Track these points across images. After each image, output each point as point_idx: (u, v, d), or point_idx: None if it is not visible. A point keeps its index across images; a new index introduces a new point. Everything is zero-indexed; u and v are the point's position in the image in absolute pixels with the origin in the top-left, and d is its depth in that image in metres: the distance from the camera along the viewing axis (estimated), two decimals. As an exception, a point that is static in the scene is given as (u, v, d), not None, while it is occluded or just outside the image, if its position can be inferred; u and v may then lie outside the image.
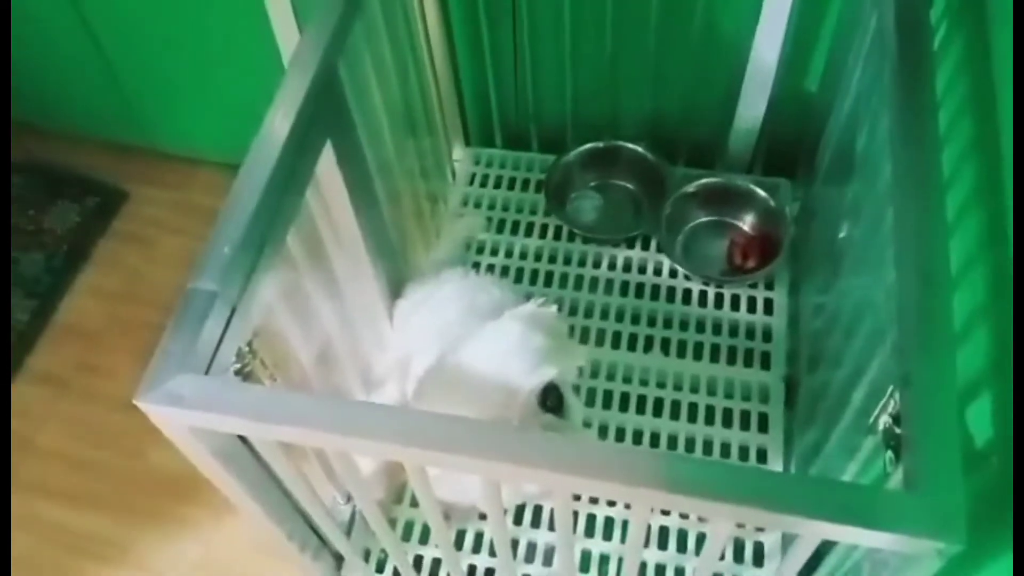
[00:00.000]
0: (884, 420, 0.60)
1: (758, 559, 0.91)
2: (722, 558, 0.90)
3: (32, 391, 1.29)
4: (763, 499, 0.50)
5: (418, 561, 0.93)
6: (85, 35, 1.31)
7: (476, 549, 0.94)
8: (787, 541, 0.90)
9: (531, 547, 0.93)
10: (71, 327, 1.36)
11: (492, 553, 0.93)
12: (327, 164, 0.78)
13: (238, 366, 0.64)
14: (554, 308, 0.81)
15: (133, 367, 1.27)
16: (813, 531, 0.52)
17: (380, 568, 0.93)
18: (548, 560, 0.92)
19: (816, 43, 1.09)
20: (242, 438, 0.65)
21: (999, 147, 0.70)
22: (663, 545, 0.92)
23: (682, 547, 0.92)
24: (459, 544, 0.94)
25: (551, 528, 0.93)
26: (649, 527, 0.92)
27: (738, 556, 0.91)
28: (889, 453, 0.59)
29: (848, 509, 0.50)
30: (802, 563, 0.58)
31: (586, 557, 0.92)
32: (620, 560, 0.91)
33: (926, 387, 0.56)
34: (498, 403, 0.72)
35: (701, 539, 0.92)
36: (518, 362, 0.73)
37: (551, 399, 0.74)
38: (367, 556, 0.92)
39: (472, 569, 0.92)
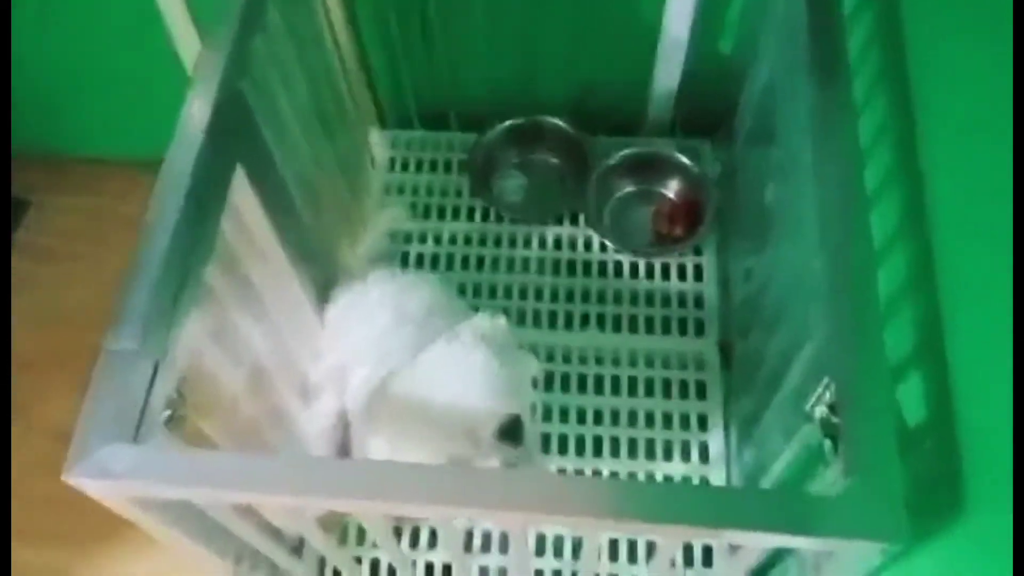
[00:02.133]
0: (820, 410, 0.62)
1: (707, 559, 0.91)
2: (672, 565, 0.92)
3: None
4: (707, 518, 0.51)
5: (375, 567, 0.93)
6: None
7: (432, 545, 0.94)
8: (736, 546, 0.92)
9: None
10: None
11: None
12: (239, 187, 0.74)
13: (168, 414, 0.62)
14: (503, 320, 0.80)
15: (62, 395, 1.23)
16: (758, 541, 0.53)
17: (336, 575, 0.93)
18: (504, 549, 0.93)
19: (728, 7, 1.08)
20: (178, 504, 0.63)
21: (914, 118, 0.71)
22: (614, 556, 0.92)
23: (632, 557, 0.92)
24: (415, 542, 0.94)
25: (503, 550, 0.93)
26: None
27: (688, 560, 0.91)
28: (828, 442, 0.60)
29: (791, 520, 0.51)
30: (749, 567, 0.60)
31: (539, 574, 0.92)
32: (573, 574, 0.92)
33: (859, 380, 0.57)
34: (459, 436, 0.72)
35: (651, 548, 0.92)
36: (479, 392, 0.72)
37: (512, 431, 0.74)
38: (322, 569, 0.92)
39: (430, 567, 0.93)
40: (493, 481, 0.53)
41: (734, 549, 0.56)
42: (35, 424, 1.23)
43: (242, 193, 0.75)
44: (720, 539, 0.52)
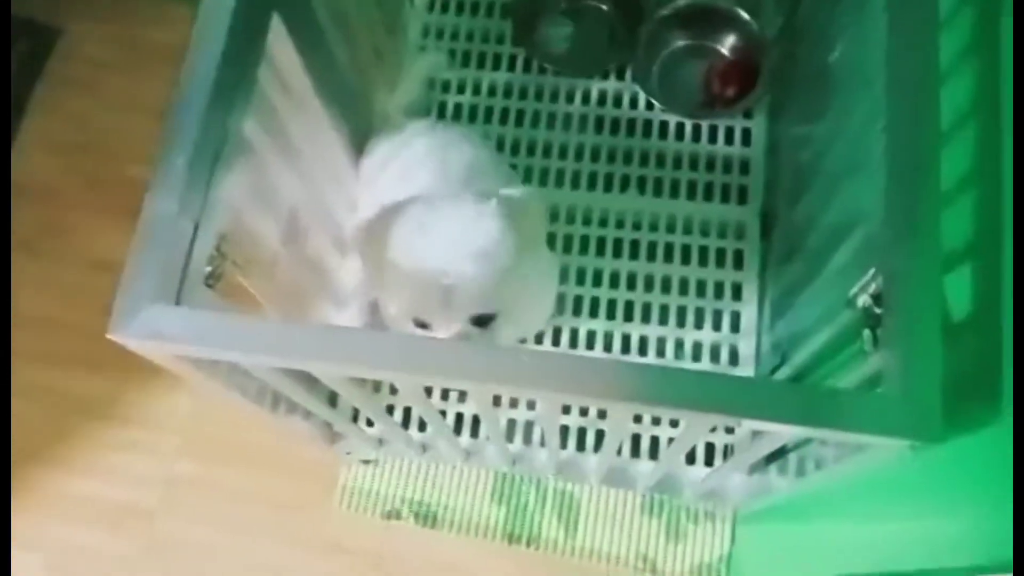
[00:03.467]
0: (864, 300, 0.61)
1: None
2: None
3: (-3, 254, 1.26)
4: (733, 409, 0.51)
5: (407, 412, 0.97)
6: None
7: (462, 398, 0.97)
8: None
9: (511, 423, 0.96)
10: (26, 187, 1.30)
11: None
12: (276, 36, 0.71)
13: (208, 270, 0.63)
14: (538, 203, 0.78)
15: (101, 225, 1.25)
16: (787, 432, 0.54)
17: (370, 423, 0.97)
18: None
19: None
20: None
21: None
22: (638, 418, 0.94)
23: (656, 419, 0.94)
24: (445, 395, 0.97)
25: (531, 407, 0.96)
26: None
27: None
28: (867, 332, 0.60)
29: (823, 414, 0.51)
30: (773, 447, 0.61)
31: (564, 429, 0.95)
32: (599, 431, 0.95)
33: (908, 281, 0.56)
34: (432, 295, 0.71)
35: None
36: (474, 272, 0.70)
37: (482, 320, 0.73)
38: (356, 417, 0.95)
39: (459, 417, 0.96)
40: (522, 360, 0.53)
41: (756, 435, 0.57)
42: (68, 252, 1.26)
43: (279, 41, 0.72)
44: (747, 427, 0.52)
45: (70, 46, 1.37)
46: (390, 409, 0.96)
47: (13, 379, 1.20)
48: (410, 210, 0.74)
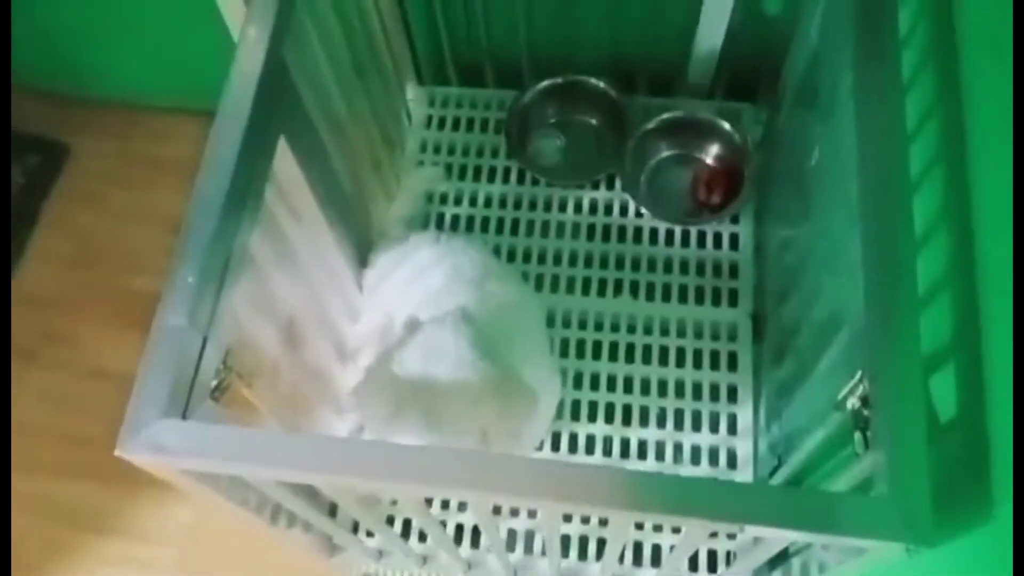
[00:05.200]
0: (852, 402, 0.62)
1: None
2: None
3: (-2, 363, 1.28)
4: (730, 514, 0.52)
5: (406, 524, 0.96)
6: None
7: (461, 508, 0.97)
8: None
9: (511, 534, 0.96)
10: (30, 296, 1.33)
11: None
12: (282, 156, 0.75)
13: (215, 383, 0.64)
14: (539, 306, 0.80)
15: (100, 334, 1.27)
16: (783, 537, 0.54)
17: (370, 534, 0.96)
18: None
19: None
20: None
21: (962, 94, 0.69)
22: (639, 526, 0.95)
23: (658, 526, 0.95)
24: (445, 504, 0.97)
25: (531, 516, 0.96)
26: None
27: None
28: (858, 434, 0.61)
29: (817, 518, 0.52)
30: (773, 553, 0.61)
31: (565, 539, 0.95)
32: (600, 540, 0.94)
33: (893, 383, 0.58)
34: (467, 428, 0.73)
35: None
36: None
37: None
38: (355, 528, 0.95)
39: (459, 528, 0.96)
40: (521, 469, 0.54)
41: (757, 541, 0.58)
42: (70, 361, 1.27)
43: (284, 161, 0.76)
44: (744, 533, 0.53)
45: (78, 161, 1.42)
46: (390, 520, 0.96)
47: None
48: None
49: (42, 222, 1.38)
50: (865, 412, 0.61)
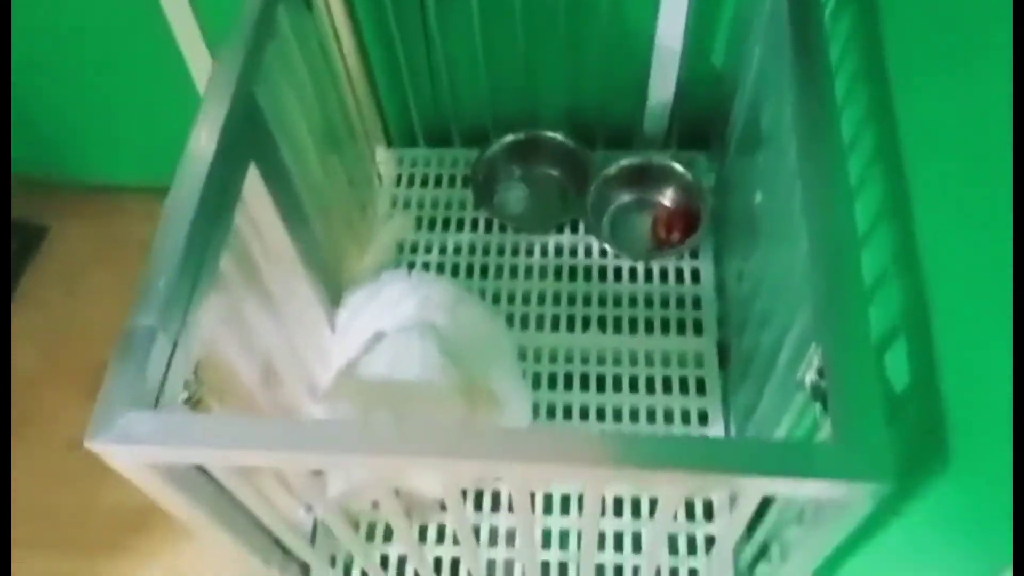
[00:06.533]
0: (810, 376, 0.64)
1: (708, 514, 0.95)
2: (675, 518, 0.94)
3: (-29, 440, 1.26)
4: (703, 465, 0.53)
5: (384, 560, 0.95)
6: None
7: (440, 540, 0.96)
8: (734, 496, 0.95)
9: (493, 532, 0.96)
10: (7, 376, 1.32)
11: (456, 542, 0.95)
12: (253, 185, 0.78)
13: (186, 395, 0.65)
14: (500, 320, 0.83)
15: (74, 408, 1.26)
16: (754, 488, 0.55)
17: (347, 571, 0.95)
18: (511, 540, 0.95)
19: (718, 22, 1.12)
20: (199, 466, 0.66)
21: (893, 112, 0.75)
22: (619, 513, 0.96)
23: (636, 513, 0.96)
24: (423, 538, 0.96)
25: (511, 510, 0.96)
26: (604, 499, 0.95)
27: (690, 514, 0.95)
28: (818, 404, 0.63)
29: (783, 464, 0.54)
30: (748, 516, 0.62)
31: (547, 534, 0.95)
32: (580, 533, 0.94)
33: (844, 340, 0.60)
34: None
35: (653, 504, 0.96)
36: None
37: None
38: (333, 562, 0.94)
39: (438, 561, 0.95)
40: (496, 435, 0.56)
41: (734, 498, 0.58)
42: (46, 437, 1.26)
43: (255, 191, 0.79)
44: (718, 487, 0.54)
45: (55, 243, 1.45)
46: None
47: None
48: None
49: (18, 302, 1.39)
50: (822, 383, 0.63)
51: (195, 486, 0.65)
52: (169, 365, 0.62)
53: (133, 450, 0.57)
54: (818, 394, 0.63)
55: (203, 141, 0.70)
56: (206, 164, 0.69)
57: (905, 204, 0.70)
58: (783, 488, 0.55)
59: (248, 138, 0.76)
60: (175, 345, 0.63)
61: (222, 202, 0.72)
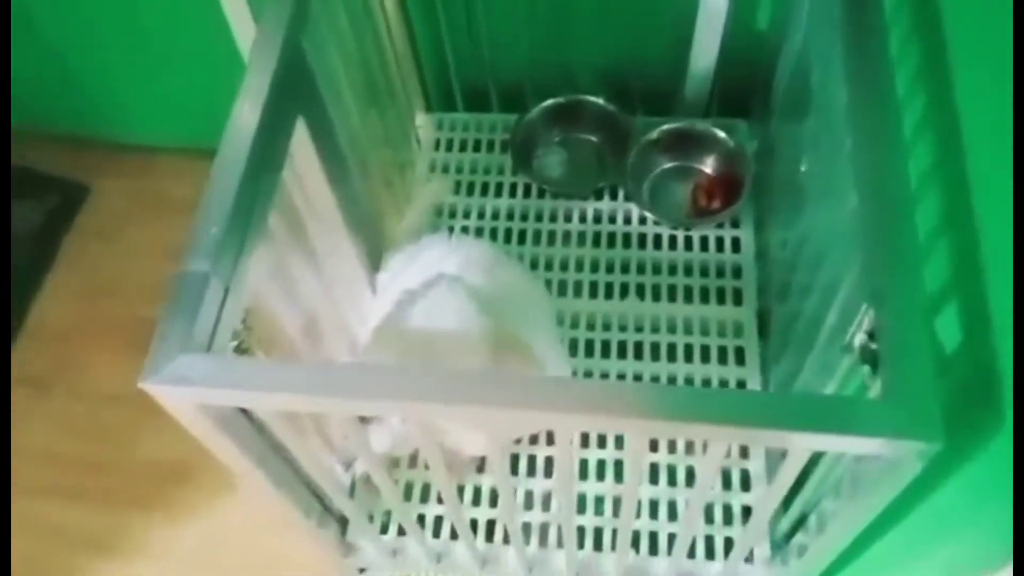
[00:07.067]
0: (859, 338, 0.64)
1: (745, 484, 0.95)
2: (711, 488, 0.94)
3: (12, 394, 1.29)
4: (753, 417, 0.53)
5: (420, 519, 0.96)
6: (33, 29, 1.29)
7: (476, 502, 0.97)
8: (771, 464, 0.95)
9: (528, 495, 0.97)
10: (45, 328, 1.35)
11: (492, 504, 0.96)
12: (300, 140, 0.79)
13: (235, 343, 0.66)
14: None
15: (112, 362, 1.29)
16: (802, 443, 0.55)
17: (384, 530, 0.96)
18: (546, 506, 0.96)
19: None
20: (244, 411, 0.67)
21: (948, 67, 0.73)
22: (654, 480, 0.96)
23: (672, 481, 0.96)
24: (459, 498, 0.97)
25: (547, 475, 0.97)
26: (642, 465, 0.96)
27: (726, 484, 0.95)
28: (866, 367, 0.62)
29: (833, 418, 0.53)
30: (790, 481, 0.62)
31: (580, 500, 0.95)
32: (615, 499, 0.95)
33: (898, 301, 0.59)
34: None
35: (689, 474, 0.96)
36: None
37: None
38: (371, 518, 0.95)
39: (473, 523, 0.95)
40: (537, 385, 0.56)
41: (771, 468, 0.58)
42: (84, 390, 1.29)
43: (302, 147, 0.80)
44: (766, 442, 0.54)
45: (97, 201, 1.46)
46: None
47: (19, 514, 1.19)
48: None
49: (61, 259, 1.41)
50: (872, 346, 0.62)
51: (241, 432, 0.66)
52: (221, 310, 0.63)
53: (185, 391, 0.57)
54: (867, 356, 0.62)
55: (253, 94, 0.71)
56: (256, 117, 0.69)
57: (956, 159, 0.69)
58: (832, 444, 0.54)
59: (297, 92, 0.77)
60: (227, 291, 0.64)
61: (271, 154, 0.72)
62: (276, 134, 0.73)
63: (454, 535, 0.94)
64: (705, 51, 1.16)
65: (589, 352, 1.05)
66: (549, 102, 1.21)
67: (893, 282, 0.60)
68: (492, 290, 0.82)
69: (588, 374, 1.03)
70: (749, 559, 0.90)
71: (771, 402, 0.55)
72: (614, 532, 0.93)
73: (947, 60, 0.73)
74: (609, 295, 1.09)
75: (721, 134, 1.16)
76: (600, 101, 1.21)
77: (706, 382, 1.02)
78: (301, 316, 0.84)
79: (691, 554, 0.92)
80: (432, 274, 0.87)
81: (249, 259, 0.67)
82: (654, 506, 0.95)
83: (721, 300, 1.08)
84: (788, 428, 0.53)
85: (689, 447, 0.98)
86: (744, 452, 0.97)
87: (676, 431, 0.55)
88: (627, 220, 1.15)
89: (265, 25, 0.76)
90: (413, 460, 0.99)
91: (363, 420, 0.87)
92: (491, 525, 0.95)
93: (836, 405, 0.55)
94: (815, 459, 0.72)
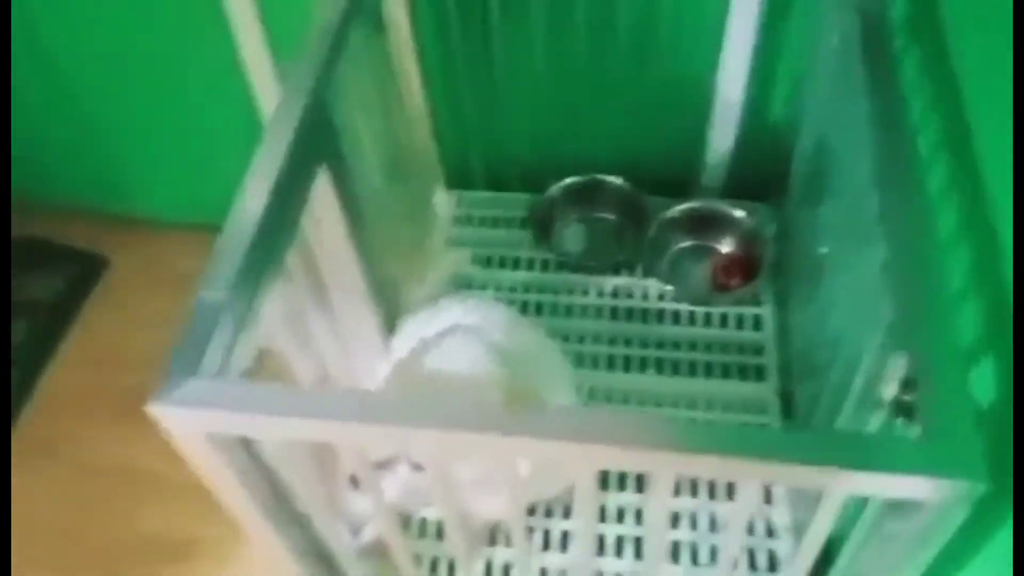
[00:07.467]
0: (890, 391, 0.61)
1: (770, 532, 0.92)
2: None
3: (16, 460, 1.26)
4: (788, 452, 0.51)
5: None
6: (65, 108, 1.33)
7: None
8: (798, 525, 0.91)
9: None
10: (55, 395, 1.33)
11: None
12: (322, 187, 0.79)
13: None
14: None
15: (119, 432, 1.26)
16: (841, 483, 0.52)
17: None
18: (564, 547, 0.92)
19: (778, 75, 1.13)
20: (252, 455, 0.64)
21: (970, 137, 0.74)
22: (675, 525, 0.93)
23: (694, 526, 0.93)
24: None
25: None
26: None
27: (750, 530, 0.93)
28: (900, 419, 0.60)
29: (872, 456, 0.50)
30: (826, 529, 0.58)
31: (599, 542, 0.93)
32: (636, 540, 0.92)
33: (933, 345, 0.57)
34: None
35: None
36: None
37: None
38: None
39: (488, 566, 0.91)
40: (560, 416, 0.53)
41: (798, 527, 0.55)
42: (81, 458, 1.26)
43: (323, 195, 0.80)
44: (804, 481, 0.51)
45: (114, 273, 1.48)
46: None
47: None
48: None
49: (76, 327, 1.41)
50: (906, 397, 0.60)
51: (249, 473, 0.64)
52: (234, 341, 0.62)
53: (194, 414, 0.56)
54: (901, 408, 0.60)
55: (277, 138, 0.71)
56: (279, 160, 0.70)
57: (980, 226, 0.69)
58: (873, 485, 0.51)
59: (320, 139, 0.78)
60: (240, 323, 0.63)
61: (291, 198, 0.72)
62: (298, 175, 0.73)
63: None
64: (722, 140, 1.18)
65: (606, 425, 1.02)
66: (569, 180, 1.23)
67: (927, 327, 0.59)
68: (509, 347, 0.81)
69: (605, 448, 1.00)
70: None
71: (810, 439, 0.52)
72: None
73: (969, 132, 0.74)
74: (627, 368, 1.07)
75: (739, 214, 1.16)
76: (619, 181, 1.22)
77: (728, 459, 0.98)
78: (314, 368, 0.82)
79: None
80: (448, 326, 0.86)
81: (265, 295, 0.66)
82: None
83: (743, 376, 1.06)
84: (828, 465, 0.50)
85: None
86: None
87: (710, 467, 0.52)
88: (645, 296, 1.14)
89: (295, 75, 0.78)
90: (422, 529, 0.95)
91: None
92: (507, 568, 0.90)
93: (876, 443, 0.52)
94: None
